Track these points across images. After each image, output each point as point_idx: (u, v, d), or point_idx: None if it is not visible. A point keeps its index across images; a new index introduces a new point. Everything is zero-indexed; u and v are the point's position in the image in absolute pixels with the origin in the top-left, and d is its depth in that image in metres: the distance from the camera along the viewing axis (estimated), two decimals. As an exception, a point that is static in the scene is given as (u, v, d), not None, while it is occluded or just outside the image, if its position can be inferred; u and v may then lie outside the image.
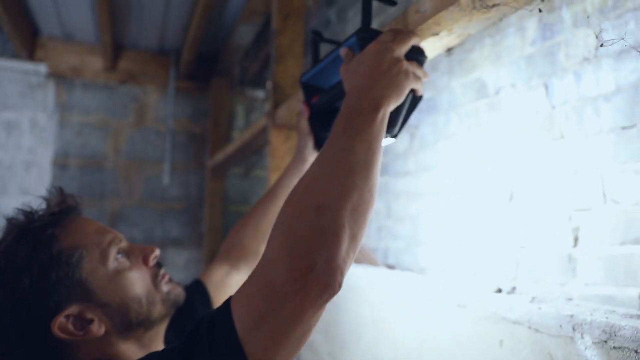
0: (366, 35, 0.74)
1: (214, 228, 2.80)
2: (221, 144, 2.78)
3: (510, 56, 1.18)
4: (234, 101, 2.93)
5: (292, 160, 0.98)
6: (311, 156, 0.95)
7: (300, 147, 0.96)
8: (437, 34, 0.75)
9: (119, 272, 0.73)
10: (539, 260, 1.07)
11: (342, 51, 0.77)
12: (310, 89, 0.94)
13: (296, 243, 0.54)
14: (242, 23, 2.22)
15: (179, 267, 2.78)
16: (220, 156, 2.41)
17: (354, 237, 0.56)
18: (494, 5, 0.65)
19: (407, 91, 0.68)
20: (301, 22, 1.65)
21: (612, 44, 0.80)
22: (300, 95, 1.25)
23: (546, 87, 1.07)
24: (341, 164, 0.58)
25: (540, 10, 0.67)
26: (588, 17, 0.98)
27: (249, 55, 2.67)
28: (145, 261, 0.78)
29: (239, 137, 2.01)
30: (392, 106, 0.66)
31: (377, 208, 1.74)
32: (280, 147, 1.53)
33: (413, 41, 0.71)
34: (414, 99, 0.76)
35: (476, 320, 0.78)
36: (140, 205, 2.75)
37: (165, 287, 0.79)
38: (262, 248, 0.99)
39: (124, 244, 0.78)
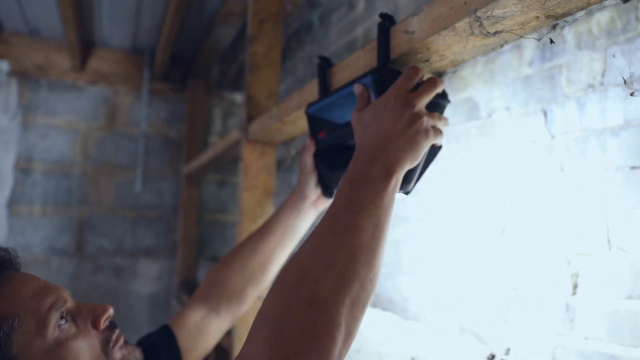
0: (383, 77, 0.64)
1: (188, 237, 2.66)
2: (197, 149, 2.64)
3: (505, 76, 1.07)
4: (211, 104, 2.79)
5: (290, 196, 0.87)
6: (313, 194, 0.85)
7: (301, 183, 0.85)
8: (427, 60, 0.64)
9: (60, 344, 0.61)
10: (533, 305, 0.96)
11: (356, 89, 0.67)
12: (316, 121, 0.85)
13: (282, 342, 0.44)
14: (219, 24, 2.09)
15: (151, 278, 2.64)
16: (194, 165, 2.28)
17: (350, 335, 0.47)
18: (496, 33, 0.54)
19: (425, 151, 0.59)
20: (279, 27, 1.52)
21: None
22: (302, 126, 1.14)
23: (545, 113, 0.96)
24: (342, 247, 0.48)
25: (552, 42, 0.56)
26: (594, 39, 0.87)
27: (227, 57, 2.53)
28: (95, 324, 0.66)
29: (212, 148, 1.88)
30: (406, 169, 0.57)
31: (358, 229, 1.62)
32: (254, 163, 1.40)
33: (438, 90, 0.61)
34: (433, 149, 0.66)
35: (465, 397, 0.66)
36: (110, 214, 2.60)
37: (118, 354, 0.67)
38: (249, 290, 0.87)
39: (69, 305, 0.65)
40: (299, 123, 1.11)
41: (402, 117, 0.56)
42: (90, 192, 2.57)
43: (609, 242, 0.83)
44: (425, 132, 0.57)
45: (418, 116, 0.57)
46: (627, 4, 0.82)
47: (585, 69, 0.89)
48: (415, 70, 0.61)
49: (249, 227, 1.39)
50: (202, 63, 2.55)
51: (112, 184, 2.61)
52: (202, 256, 2.71)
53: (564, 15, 0.52)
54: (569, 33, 0.92)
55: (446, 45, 0.61)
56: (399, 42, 0.64)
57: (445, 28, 0.56)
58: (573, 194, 0.90)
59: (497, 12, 0.50)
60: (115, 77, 2.64)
